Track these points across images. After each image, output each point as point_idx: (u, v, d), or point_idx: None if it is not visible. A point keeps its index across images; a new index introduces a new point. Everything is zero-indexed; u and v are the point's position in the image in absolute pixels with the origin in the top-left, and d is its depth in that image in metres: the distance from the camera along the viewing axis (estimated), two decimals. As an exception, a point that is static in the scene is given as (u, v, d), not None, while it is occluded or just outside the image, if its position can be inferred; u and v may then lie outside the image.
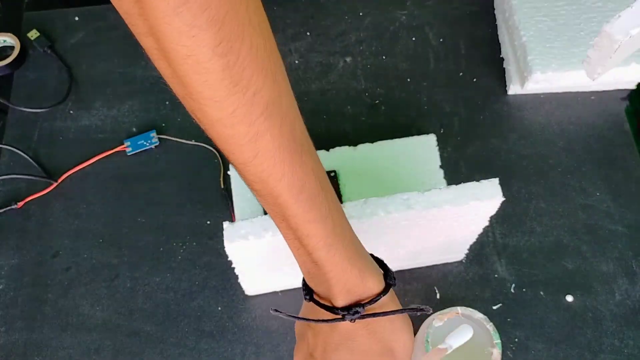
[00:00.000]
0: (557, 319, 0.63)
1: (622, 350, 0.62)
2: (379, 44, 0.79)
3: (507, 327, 0.63)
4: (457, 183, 0.70)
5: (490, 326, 0.54)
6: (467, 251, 0.64)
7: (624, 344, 0.62)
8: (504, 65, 0.77)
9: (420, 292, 0.65)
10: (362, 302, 0.43)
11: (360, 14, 0.82)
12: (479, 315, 0.54)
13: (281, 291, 0.65)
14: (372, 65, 0.78)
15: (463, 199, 0.50)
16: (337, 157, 0.68)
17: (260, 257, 0.53)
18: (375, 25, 0.81)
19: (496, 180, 0.51)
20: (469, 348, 0.55)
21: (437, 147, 0.68)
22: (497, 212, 0.68)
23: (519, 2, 0.74)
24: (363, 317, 0.43)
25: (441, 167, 0.68)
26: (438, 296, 0.65)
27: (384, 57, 0.78)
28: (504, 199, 0.50)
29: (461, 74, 0.77)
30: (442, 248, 0.60)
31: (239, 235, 0.48)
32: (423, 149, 0.68)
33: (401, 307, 0.46)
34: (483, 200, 0.50)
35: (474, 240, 0.60)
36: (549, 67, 0.70)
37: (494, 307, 0.64)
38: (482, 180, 0.50)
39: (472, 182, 0.50)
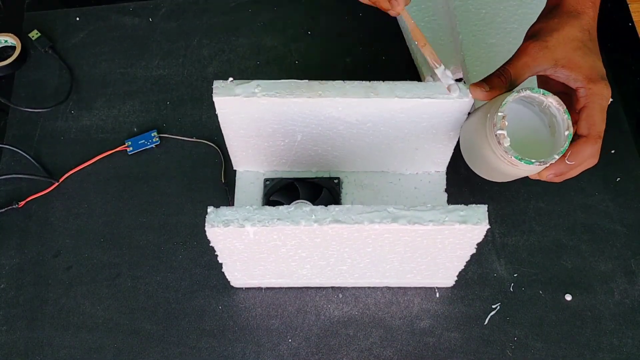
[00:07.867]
0: (556, 318, 0.63)
1: (620, 349, 0.62)
2: (379, 45, 0.80)
3: (506, 326, 0.63)
4: (456, 184, 0.70)
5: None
6: (456, 278, 0.63)
7: (623, 342, 0.62)
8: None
9: (420, 291, 0.65)
10: None
11: (361, 14, 0.82)
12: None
13: (265, 288, 0.65)
14: (372, 65, 0.78)
15: (448, 220, 0.49)
16: (344, 166, 0.69)
17: (241, 247, 0.53)
18: (376, 26, 0.81)
19: (485, 207, 0.50)
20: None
21: (445, 177, 0.70)
22: (496, 211, 0.68)
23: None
24: None
25: (446, 190, 0.69)
26: (437, 295, 0.65)
27: (384, 58, 0.79)
28: (489, 226, 0.49)
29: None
30: (430, 270, 0.60)
31: (221, 221, 0.49)
32: (431, 176, 0.70)
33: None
34: (468, 224, 0.49)
35: (462, 267, 0.59)
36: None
37: (493, 306, 0.64)
38: (472, 205, 0.50)
39: (460, 205, 0.50)
